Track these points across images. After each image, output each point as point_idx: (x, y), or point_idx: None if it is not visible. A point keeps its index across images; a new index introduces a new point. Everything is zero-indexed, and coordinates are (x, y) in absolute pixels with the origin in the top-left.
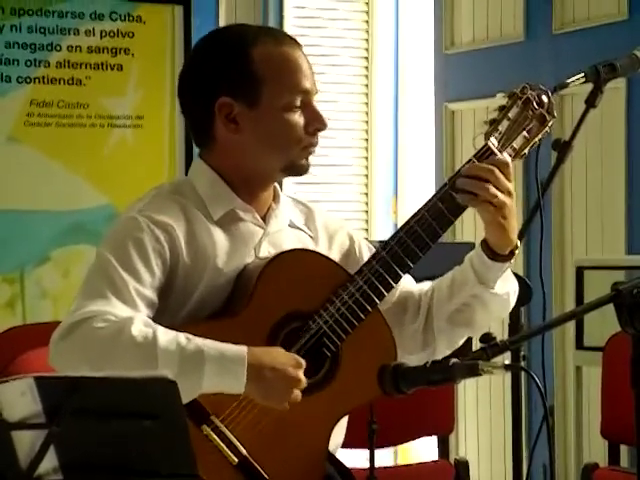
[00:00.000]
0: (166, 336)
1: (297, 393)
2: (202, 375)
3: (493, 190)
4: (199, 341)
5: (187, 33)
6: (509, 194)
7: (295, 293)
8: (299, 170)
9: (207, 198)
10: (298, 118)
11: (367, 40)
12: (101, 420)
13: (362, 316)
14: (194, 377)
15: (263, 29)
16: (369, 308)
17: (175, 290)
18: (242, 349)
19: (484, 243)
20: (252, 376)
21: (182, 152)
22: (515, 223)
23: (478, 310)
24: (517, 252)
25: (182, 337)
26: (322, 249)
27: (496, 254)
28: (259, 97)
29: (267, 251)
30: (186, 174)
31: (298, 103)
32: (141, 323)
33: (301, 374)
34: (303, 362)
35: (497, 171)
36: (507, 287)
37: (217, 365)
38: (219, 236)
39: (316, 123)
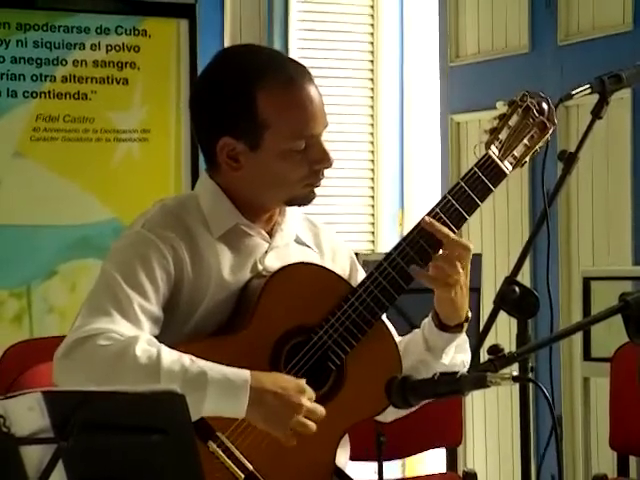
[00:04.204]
0: (170, 356)
1: (301, 420)
2: (204, 397)
3: (458, 267)
4: (203, 363)
5: (192, 46)
6: (466, 272)
7: (298, 307)
8: (302, 202)
9: (210, 215)
10: (300, 161)
11: (372, 52)
12: (110, 435)
13: (366, 329)
14: (196, 399)
15: (273, 60)
16: (372, 320)
17: (180, 305)
18: (245, 373)
19: (435, 314)
20: (254, 400)
21: (188, 166)
22: (466, 298)
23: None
24: (466, 325)
25: (186, 358)
26: (327, 266)
27: (446, 326)
28: (261, 141)
29: (272, 262)
30: (192, 188)
31: (301, 147)
32: (145, 342)
33: (304, 400)
34: (307, 388)
35: (467, 245)
36: (457, 358)
37: (220, 388)
38: (223, 250)
39: (321, 163)
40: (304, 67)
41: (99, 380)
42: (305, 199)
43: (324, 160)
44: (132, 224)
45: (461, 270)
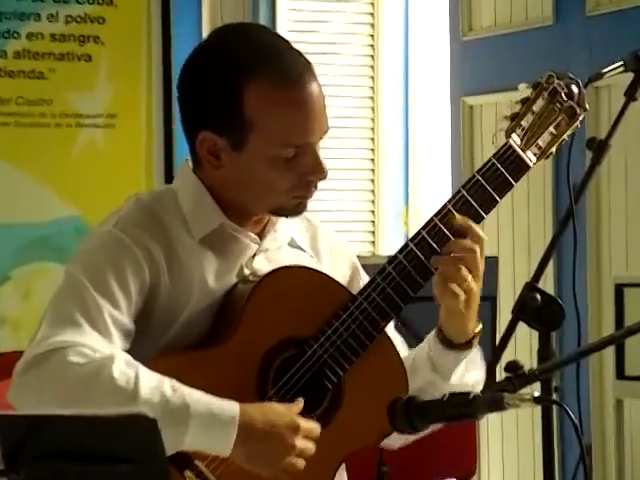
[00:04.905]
0: (149, 382)
1: (292, 462)
2: (185, 433)
3: (465, 272)
4: (187, 392)
5: (165, 17)
6: (478, 278)
7: (290, 316)
8: (289, 214)
9: (190, 214)
10: (288, 169)
11: (372, 26)
12: (69, 465)
13: (367, 342)
14: (176, 434)
15: (270, 50)
16: (375, 333)
17: (155, 315)
18: (234, 407)
19: (439, 330)
20: (241, 439)
21: (161, 156)
22: (475, 310)
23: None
24: (476, 341)
25: (167, 386)
26: (324, 271)
27: (452, 343)
28: (245, 142)
29: (262, 266)
30: (166, 181)
31: (290, 155)
32: (123, 363)
33: (298, 440)
34: (302, 424)
35: (471, 246)
36: (468, 377)
37: (203, 423)
38: (206, 254)
39: (311, 175)
40: (306, 61)
41: (68, 401)
42: (293, 211)
43: (315, 172)
44: (103, 223)
45: (470, 276)
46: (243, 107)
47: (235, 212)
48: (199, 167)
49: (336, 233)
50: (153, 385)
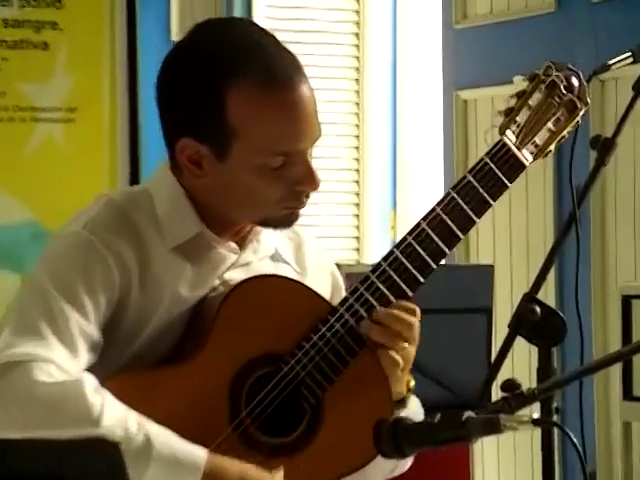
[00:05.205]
0: (114, 415)
1: None
2: (143, 475)
3: (402, 341)
4: (152, 430)
5: (130, 1)
6: (414, 344)
7: (264, 329)
8: (279, 225)
9: (166, 219)
10: (276, 179)
11: (357, 12)
12: None
13: (349, 359)
14: (133, 475)
15: (255, 49)
16: (357, 348)
17: (123, 326)
18: (200, 454)
19: None
20: None
21: (126, 154)
22: (408, 374)
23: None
24: (410, 395)
25: (132, 421)
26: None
27: None
28: (228, 150)
29: (237, 279)
30: (131, 182)
31: (278, 164)
32: (91, 390)
33: None
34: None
35: (408, 319)
36: None
37: (164, 468)
38: (179, 264)
39: (302, 185)
40: (296, 60)
41: (28, 423)
42: (282, 222)
43: (306, 182)
44: (69, 223)
45: (416, 333)
46: (226, 113)
47: (216, 220)
48: (179, 171)
49: (318, 242)
50: (118, 418)
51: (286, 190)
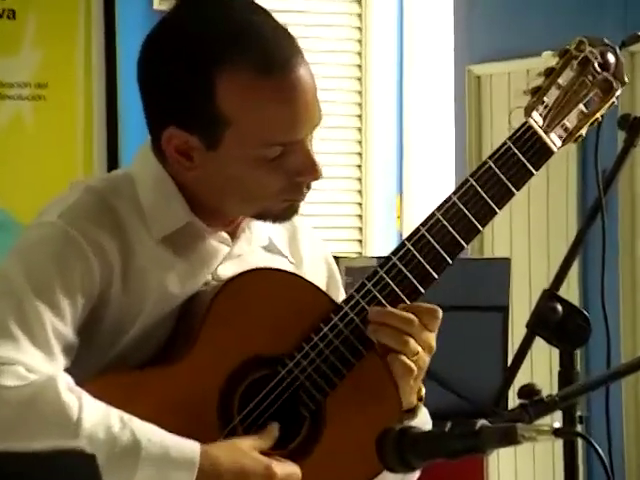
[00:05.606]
0: (95, 415)
1: None
2: (133, 476)
3: (414, 346)
4: (138, 426)
5: None
6: (429, 350)
7: (260, 329)
8: (277, 219)
9: (151, 208)
10: (275, 170)
11: None
12: None
13: (353, 361)
14: (122, 477)
15: (248, 29)
16: (362, 350)
17: (103, 325)
18: (194, 448)
19: None
20: None
21: (103, 136)
22: (420, 382)
23: None
24: (421, 405)
25: (115, 418)
26: (303, 275)
27: None
28: (220, 140)
29: (227, 272)
30: (109, 166)
31: (275, 155)
32: (65, 389)
33: None
34: (280, 471)
35: (418, 321)
36: None
37: (156, 466)
38: (167, 257)
39: (303, 175)
40: (294, 40)
41: (1, 432)
42: (281, 215)
43: (306, 172)
44: (43, 212)
45: (432, 339)
46: (216, 100)
47: (206, 210)
48: (164, 156)
49: (314, 232)
50: (99, 418)
51: (285, 181)
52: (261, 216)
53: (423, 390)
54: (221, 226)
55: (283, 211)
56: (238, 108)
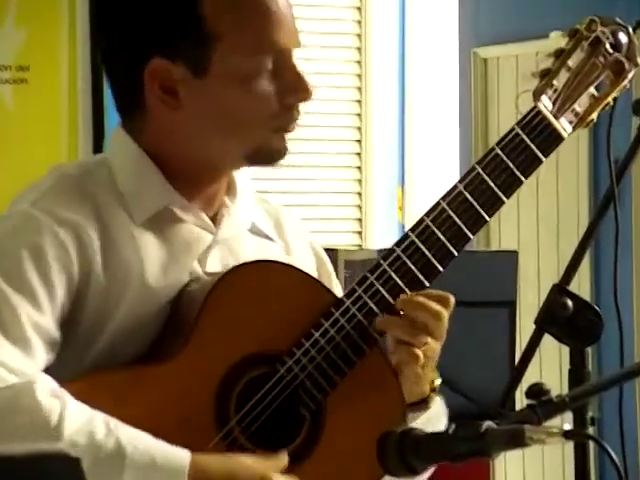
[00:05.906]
0: (78, 419)
1: None
2: None
3: (426, 337)
4: (123, 433)
5: None
6: (440, 339)
7: (258, 325)
8: (271, 157)
9: (130, 190)
10: (268, 87)
11: None
12: None
13: (355, 359)
14: None
15: None
16: (365, 347)
17: (83, 318)
18: (183, 457)
19: None
20: None
21: (88, 119)
22: (432, 371)
23: None
24: (434, 396)
25: (99, 425)
26: (295, 264)
27: None
28: (208, 60)
29: (218, 264)
30: (95, 151)
31: (269, 67)
32: (46, 392)
33: None
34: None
35: (435, 308)
36: None
37: (141, 475)
38: (148, 242)
39: (296, 92)
40: None
41: None
42: (274, 153)
43: (299, 88)
44: (16, 200)
45: (444, 328)
46: (201, 17)
47: (187, 182)
48: (138, 129)
49: (298, 219)
50: (82, 423)
51: (276, 104)
52: (253, 156)
53: (438, 381)
54: (202, 203)
55: (275, 147)
56: (225, 19)
